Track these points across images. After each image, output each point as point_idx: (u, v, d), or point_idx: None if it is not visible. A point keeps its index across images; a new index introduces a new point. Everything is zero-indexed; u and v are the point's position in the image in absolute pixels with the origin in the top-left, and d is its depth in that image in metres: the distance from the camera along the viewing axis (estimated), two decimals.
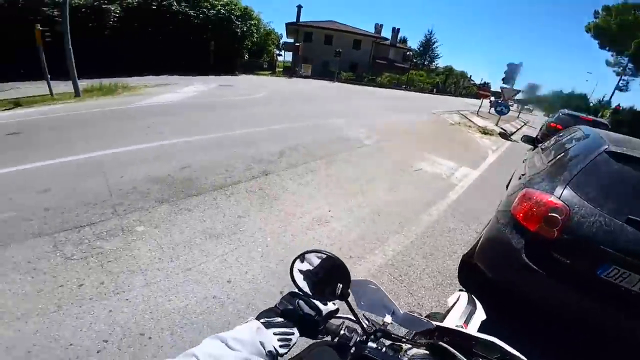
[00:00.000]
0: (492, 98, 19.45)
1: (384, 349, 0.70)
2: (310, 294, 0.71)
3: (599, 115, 18.79)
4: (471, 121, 13.61)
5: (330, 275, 0.71)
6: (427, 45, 48.97)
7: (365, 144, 6.54)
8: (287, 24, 32.42)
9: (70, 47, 8.33)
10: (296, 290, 0.72)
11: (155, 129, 5.47)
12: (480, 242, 2.64)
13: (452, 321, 1.05)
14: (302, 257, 0.74)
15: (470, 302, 1.17)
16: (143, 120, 6.08)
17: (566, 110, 12.32)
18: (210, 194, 3.44)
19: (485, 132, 11.44)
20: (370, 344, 0.69)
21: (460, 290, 1.27)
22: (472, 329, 1.02)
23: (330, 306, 0.76)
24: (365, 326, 0.72)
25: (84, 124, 5.56)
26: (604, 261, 1.90)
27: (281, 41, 32.76)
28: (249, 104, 9.53)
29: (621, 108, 19.70)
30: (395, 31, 37.81)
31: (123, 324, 1.81)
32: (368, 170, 4.97)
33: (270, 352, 0.61)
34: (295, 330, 0.68)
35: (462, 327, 1.01)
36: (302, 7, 30.86)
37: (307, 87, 17.59)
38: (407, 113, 12.91)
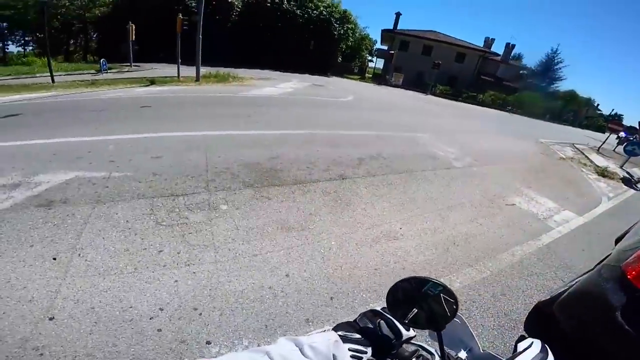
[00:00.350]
0: (623, 134, 15.94)
1: None
2: (398, 317, 0.70)
3: None
4: (588, 158, 11.40)
5: (428, 304, 0.69)
6: (549, 65, 42.71)
7: (454, 166, 6.05)
8: (383, 31, 32.02)
9: (201, 36, 9.73)
10: (378, 309, 0.73)
11: (255, 118, 6.04)
12: (569, 291, 2.37)
13: None
14: (408, 281, 0.73)
15: (543, 351, 1.04)
16: (247, 108, 6.78)
17: None
18: (290, 187, 3.64)
19: (604, 174, 9.42)
20: None
21: (529, 336, 1.12)
22: None
23: (411, 332, 0.75)
24: (437, 358, 0.70)
25: (201, 104, 6.47)
26: None
27: (374, 47, 32.52)
28: (337, 106, 9.78)
29: None
30: (509, 47, 34.04)
31: (183, 295, 1.99)
32: (452, 196, 4.60)
33: None
34: (369, 350, 0.67)
35: None
36: (400, 14, 29.88)
37: (396, 97, 17.16)
38: (507, 137, 11.52)
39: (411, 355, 0.70)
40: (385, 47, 31.48)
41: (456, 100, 26.22)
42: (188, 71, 9.91)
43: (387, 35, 31.85)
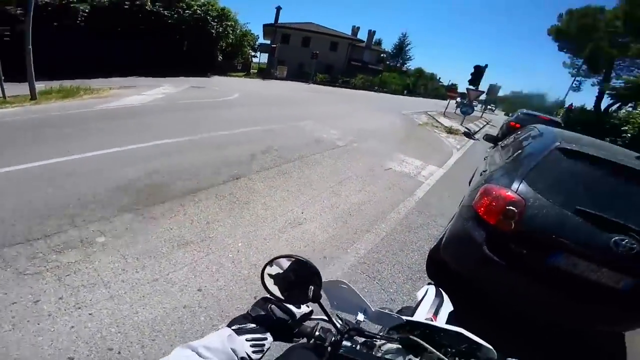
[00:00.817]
0: (459, 99, 20.28)
1: (358, 347, 0.72)
2: (282, 298, 0.71)
3: (554, 114, 20.20)
4: (438, 121, 14.15)
5: (301, 279, 0.71)
6: (401, 48, 50.06)
7: (338, 145, 6.61)
8: (265, 25, 31.88)
9: (30, 47, 7.71)
10: (268, 296, 0.72)
11: (120, 133, 5.20)
12: (445, 236, 2.75)
13: (421, 314, 1.07)
14: (271, 262, 0.73)
15: (438, 294, 1.20)
16: (107, 122, 5.75)
17: (524, 110, 13.16)
18: (178, 200, 3.32)
19: (450, 131, 11.95)
20: (345, 342, 0.70)
21: (428, 283, 1.29)
22: (441, 321, 1.06)
23: (304, 309, 0.77)
24: (338, 326, 0.73)
25: (39, 127, 5.16)
26: (556, 249, 2.05)
27: (257, 42, 32.15)
28: (220, 106, 9.31)
29: (573, 107, 21.28)
30: (371, 33, 38.32)
31: (88, 339, 1.71)
32: (340, 172, 5.02)
33: (243, 358, 0.61)
34: (268, 335, 0.67)
35: (431, 319, 1.04)
36: (281, 8, 30.06)
37: (282, 89, 17.45)
38: (378, 114, 13.19)
39: (312, 331, 0.72)
40: (268, 41, 31.32)
41: (333, 86, 28.42)
42: (19, 89, 7.77)
43: (269, 29, 31.72)
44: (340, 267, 2.72)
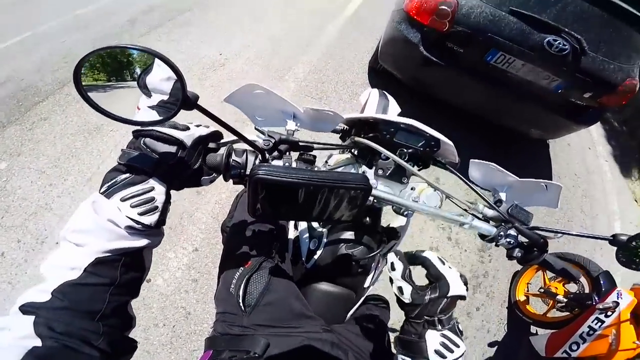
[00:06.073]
0: None
1: (293, 164, 0.55)
2: (149, 121, 0.42)
3: None
4: None
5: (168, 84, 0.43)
6: None
7: None
8: None
9: None
10: (138, 128, 0.47)
11: None
12: (380, 44, 2.73)
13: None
14: (82, 63, 0.38)
15: (382, 95, 1.09)
16: None
17: None
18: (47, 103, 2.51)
19: None
20: (275, 162, 0.53)
21: (372, 88, 1.22)
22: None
23: (196, 130, 0.51)
24: (261, 141, 0.54)
25: None
26: (491, 47, 2.10)
27: None
28: None
29: None
30: None
31: None
32: (254, 2, 3.91)
33: (130, 227, 0.43)
34: (152, 182, 0.46)
35: None
36: None
37: None
38: None
39: (223, 158, 0.52)
40: None
41: None
42: None
43: None
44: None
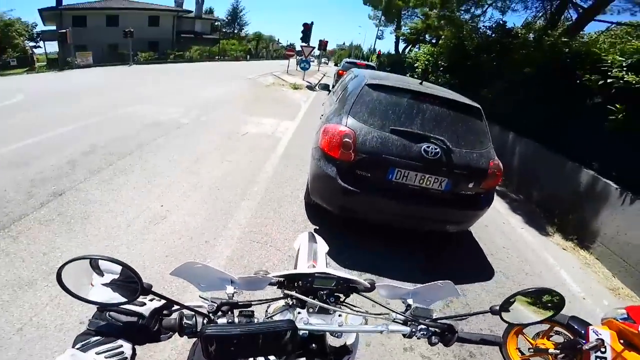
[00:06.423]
0: (298, 57, 21.34)
1: (235, 320, 0.66)
2: (115, 302, 0.58)
3: (370, 59, 24.01)
4: (283, 80, 14.73)
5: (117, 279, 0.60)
6: (235, 14, 48.58)
7: (184, 123, 6.03)
8: (42, 10, 23.60)
9: None
10: (100, 302, 0.59)
11: None
12: (309, 181, 3.01)
13: (302, 263, 1.13)
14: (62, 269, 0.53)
15: (311, 239, 1.26)
16: None
17: (348, 59, 15.36)
18: None
19: (296, 87, 12.75)
20: (220, 320, 0.65)
21: (303, 232, 1.39)
22: (321, 263, 1.14)
23: (155, 303, 0.66)
24: (206, 306, 0.67)
25: None
26: (389, 167, 2.48)
27: (35, 31, 23.86)
28: None
29: (381, 53, 25.78)
30: (200, 2, 34.54)
31: None
32: (193, 150, 4.65)
33: None
34: (121, 342, 0.58)
35: (312, 265, 1.11)
36: None
37: (90, 78, 13.34)
38: (222, 83, 12.53)
39: (175, 323, 0.64)
40: (53, 27, 23.35)
41: (165, 62, 24.77)
42: None
43: (50, 14, 23.55)
44: (227, 244, 2.66)
